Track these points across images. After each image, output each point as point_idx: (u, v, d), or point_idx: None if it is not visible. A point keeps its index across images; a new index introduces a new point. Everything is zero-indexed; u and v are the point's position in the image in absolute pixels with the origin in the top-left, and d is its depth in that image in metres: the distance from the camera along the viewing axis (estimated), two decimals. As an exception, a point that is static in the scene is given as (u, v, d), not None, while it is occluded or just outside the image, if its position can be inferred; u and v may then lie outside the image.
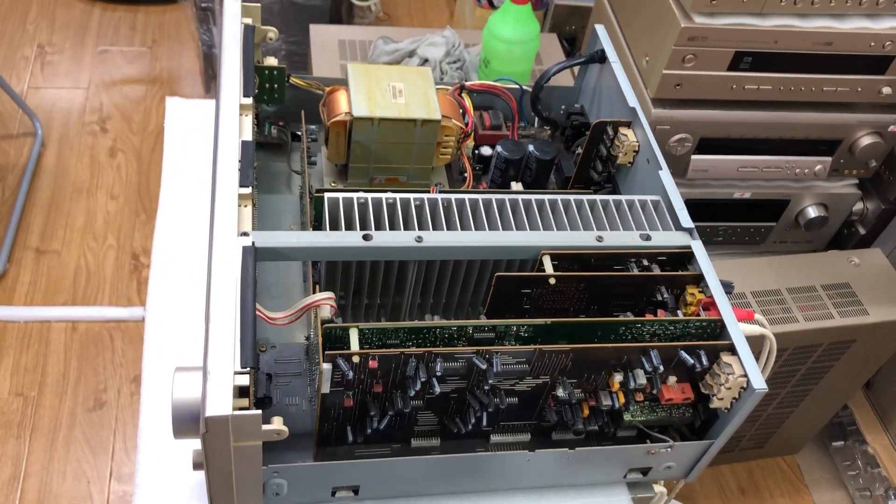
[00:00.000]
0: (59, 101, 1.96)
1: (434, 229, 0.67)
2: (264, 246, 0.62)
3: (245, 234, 0.62)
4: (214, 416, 0.51)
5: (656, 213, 0.72)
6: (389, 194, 0.68)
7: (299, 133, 0.90)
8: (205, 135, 0.94)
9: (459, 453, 0.64)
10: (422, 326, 0.59)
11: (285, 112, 0.87)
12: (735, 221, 1.36)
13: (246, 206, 0.64)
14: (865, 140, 1.26)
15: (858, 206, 1.40)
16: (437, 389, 0.59)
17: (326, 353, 0.56)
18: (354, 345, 0.57)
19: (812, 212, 1.35)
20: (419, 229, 0.66)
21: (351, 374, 0.56)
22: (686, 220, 0.70)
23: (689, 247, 0.69)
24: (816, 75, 1.15)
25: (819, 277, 1.31)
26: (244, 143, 0.68)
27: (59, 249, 1.67)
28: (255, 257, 0.60)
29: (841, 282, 1.30)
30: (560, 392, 0.62)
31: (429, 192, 0.72)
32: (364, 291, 0.70)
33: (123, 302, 1.59)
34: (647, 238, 0.69)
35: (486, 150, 0.86)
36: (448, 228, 0.67)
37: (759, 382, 0.60)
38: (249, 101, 0.72)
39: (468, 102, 0.86)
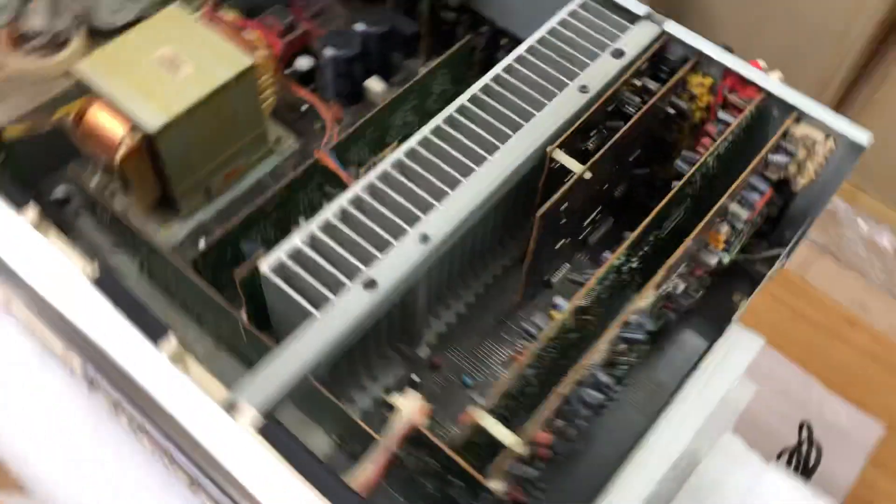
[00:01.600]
0: None
1: (428, 215, 0.46)
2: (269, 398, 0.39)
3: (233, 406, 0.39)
4: None
5: (593, 18, 0.55)
6: (332, 210, 0.45)
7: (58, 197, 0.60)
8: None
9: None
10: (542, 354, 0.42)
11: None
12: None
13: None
14: None
15: None
16: (598, 399, 0.43)
17: (489, 475, 0.37)
18: (505, 436, 0.39)
19: None
20: (409, 226, 0.45)
21: (530, 470, 0.39)
22: (635, 3, 0.54)
23: (664, 34, 0.54)
24: None
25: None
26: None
27: None
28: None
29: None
30: (678, 289, 0.49)
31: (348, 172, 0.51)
32: (370, 340, 0.49)
33: None
34: (620, 54, 0.53)
35: (303, 63, 0.63)
36: (435, 198, 0.47)
37: (860, 134, 0.50)
38: None
39: (238, 18, 0.60)
